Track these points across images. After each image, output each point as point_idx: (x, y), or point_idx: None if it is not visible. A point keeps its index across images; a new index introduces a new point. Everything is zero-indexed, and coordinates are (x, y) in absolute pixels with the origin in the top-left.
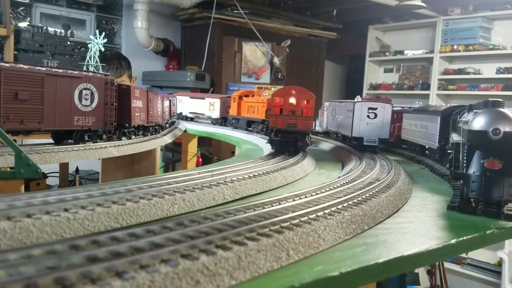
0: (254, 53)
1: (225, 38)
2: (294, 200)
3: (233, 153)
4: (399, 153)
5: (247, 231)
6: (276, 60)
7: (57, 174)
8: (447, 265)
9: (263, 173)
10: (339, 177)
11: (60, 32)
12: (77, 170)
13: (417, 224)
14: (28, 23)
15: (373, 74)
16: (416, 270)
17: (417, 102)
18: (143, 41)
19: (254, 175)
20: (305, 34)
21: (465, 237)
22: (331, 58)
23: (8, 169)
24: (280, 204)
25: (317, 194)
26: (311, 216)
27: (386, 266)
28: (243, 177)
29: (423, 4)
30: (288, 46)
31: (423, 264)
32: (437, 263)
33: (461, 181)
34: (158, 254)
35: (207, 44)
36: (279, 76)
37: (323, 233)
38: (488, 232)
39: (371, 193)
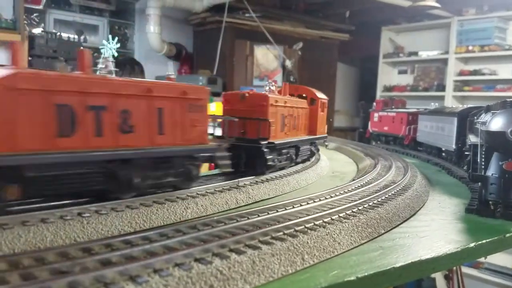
0: (266, 56)
1: (236, 41)
2: (308, 204)
3: None
4: (415, 156)
5: (260, 234)
6: (288, 63)
7: None
8: (464, 269)
9: (275, 177)
10: (353, 180)
11: (74, 38)
12: None
13: (435, 228)
14: (42, 29)
15: (387, 75)
16: (433, 275)
17: (432, 104)
18: (155, 46)
19: (267, 179)
20: (317, 36)
21: (484, 241)
22: (344, 60)
23: None
24: (293, 207)
25: (331, 197)
26: (325, 220)
27: (403, 271)
28: (256, 181)
29: (437, 5)
30: (300, 49)
31: (441, 269)
32: (455, 268)
33: (479, 183)
34: (172, 258)
35: (219, 48)
36: (291, 79)
37: (338, 237)
38: (507, 235)
39: (387, 195)
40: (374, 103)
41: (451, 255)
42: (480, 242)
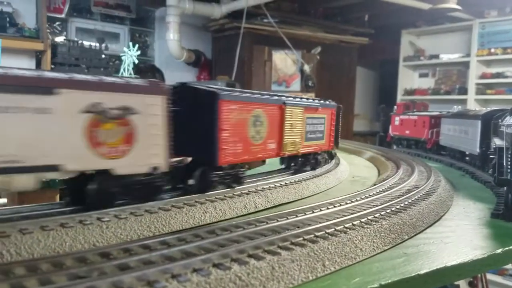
0: (284, 61)
1: (255, 47)
2: (328, 209)
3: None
4: (438, 160)
5: (280, 240)
6: (306, 68)
7: None
8: (489, 276)
9: (295, 181)
10: (375, 185)
11: (95, 46)
12: None
13: (460, 233)
14: (64, 38)
15: (408, 79)
16: (457, 282)
17: (455, 107)
18: (175, 53)
19: (286, 183)
20: (336, 41)
21: (511, 247)
22: (363, 64)
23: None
24: (313, 212)
25: (352, 202)
26: (346, 225)
27: (428, 278)
28: (275, 185)
29: (458, 7)
30: (318, 53)
31: (467, 275)
32: (480, 274)
33: (505, 187)
34: (190, 263)
35: (237, 54)
36: (310, 84)
37: (360, 243)
38: None
39: (410, 200)
40: (395, 107)
41: (477, 262)
42: (507, 248)
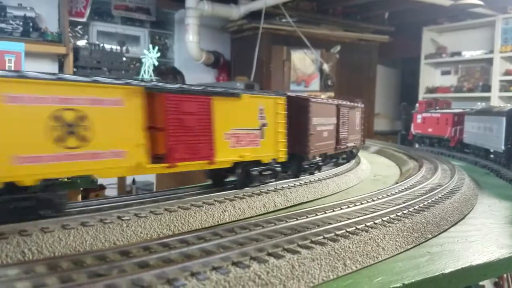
0: (303, 61)
1: (273, 47)
2: (349, 207)
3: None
4: (462, 158)
5: (299, 238)
6: (325, 67)
7: (116, 186)
8: None
9: (315, 180)
10: (396, 183)
11: (116, 49)
12: (133, 181)
13: (485, 232)
14: (86, 41)
15: (429, 77)
16: (482, 282)
17: (479, 103)
18: (194, 54)
19: (305, 182)
20: (356, 39)
21: None
22: (384, 62)
23: (66, 179)
24: (334, 211)
25: (373, 200)
26: (368, 224)
27: (452, 277)
28: (294, 184)
29: (481, 3)
30: (338, 52)
31: (493, 275)
32: (505, 274)
33: None
34: (209, 261)
35: (255, 54)
36: (329, 83)
37: (382, 242)
38: None
39: (433, 199)
40: (417, 104)
41: (504, 261)
42: None
